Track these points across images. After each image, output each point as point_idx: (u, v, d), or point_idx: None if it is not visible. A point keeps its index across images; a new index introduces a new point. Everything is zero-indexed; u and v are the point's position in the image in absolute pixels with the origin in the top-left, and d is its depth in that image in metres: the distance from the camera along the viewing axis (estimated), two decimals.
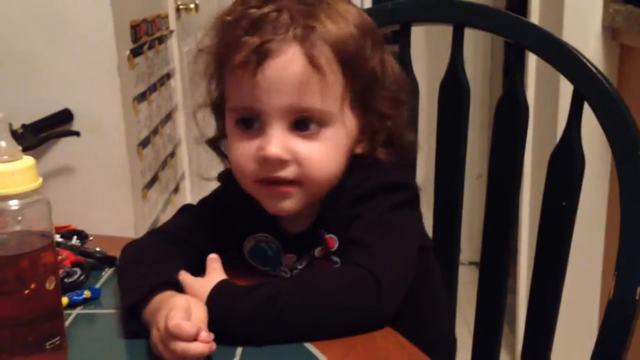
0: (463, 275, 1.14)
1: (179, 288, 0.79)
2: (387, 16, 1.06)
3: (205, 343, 0.70)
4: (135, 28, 1.66)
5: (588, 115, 0.95)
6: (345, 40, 0.81)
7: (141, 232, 1.58)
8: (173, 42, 2.06)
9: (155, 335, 0.73)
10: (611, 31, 1.73)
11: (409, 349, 0.76)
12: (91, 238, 1.03)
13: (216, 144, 0.91)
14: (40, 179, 0.70)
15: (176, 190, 2.06)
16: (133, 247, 0.89)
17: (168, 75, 2.01)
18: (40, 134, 1.44)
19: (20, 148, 0.71)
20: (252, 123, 0.82)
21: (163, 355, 0.71)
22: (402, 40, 1.09)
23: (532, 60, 1.92)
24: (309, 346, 0.74)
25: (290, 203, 0.83)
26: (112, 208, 1.55)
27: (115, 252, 0.97)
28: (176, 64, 2.08)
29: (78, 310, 0.86)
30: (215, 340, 0.71)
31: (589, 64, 0.94)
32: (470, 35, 1.05)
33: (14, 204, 0.68)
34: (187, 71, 2.19)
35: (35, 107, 1.45)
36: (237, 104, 0.83)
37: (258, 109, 0.81)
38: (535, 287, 1.02)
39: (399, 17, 1.08)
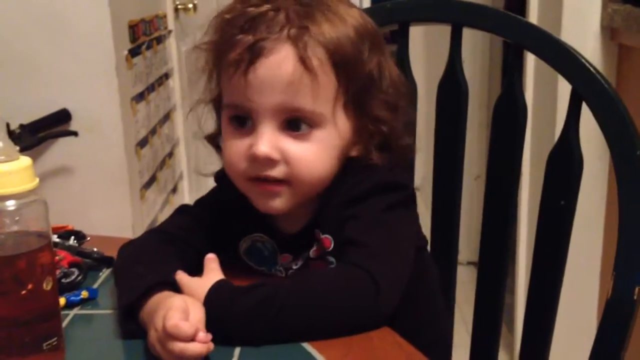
0: (461, 275, 1.14)
1: (177, 288, 0.79)
2: (385, 16, 1.06)
3: (203, 343, 0.70)
4: (133, 28, 1.66)
5: (586, 115, 0.95)
6: (340, 43, 0.81)
7: (139, 232, 1.57)
8: (171, 42, 2.06)
9: (152, 335, 0.73)
10: (610, 31, 1.73)
11: (406, 349, 0.75)
12: (88, 238, 1.03)
13: (215, 140, 0.91)
14: (37, 179, 0.70)
15: (174, 190, 2.06)
16: (130, 247, 0.89)
17: (166, 75, 2.01)
18: (38, 134, 1.44)
19: (17, 148, 0.71)
20: (245, 121, 0.82)
21: (161, 355, 0.71)
22: (401, 40, 1.09)
23: (530, 60, 1.92)
24: (307, 346, 0.74)
25: (279, 202, 0.83)
26: (110, 208, 1.55)
27: (113, 253, 0.97)
28: (174, 64, 2.08)
29: (75, 311, 0.86)
30: (213, 340, 0.71)
31: (587, 64, 0.94)
32: (469, 35, 1.05)
33: (10, 204, 0.68)
34: (185, 71, 2.19)
35: (33, 107, 1.45)
36: (230, 101, 0.84)
37: (250, 107, 0.81)
38: (533, 287, 1.02)
39: (398, 16, 1.08)
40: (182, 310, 0.71)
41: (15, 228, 0.69)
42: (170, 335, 0.69)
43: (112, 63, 1.50)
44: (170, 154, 2.02)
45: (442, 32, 1.05)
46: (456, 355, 1.07)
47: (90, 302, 0.88)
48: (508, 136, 1.03)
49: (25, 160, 0.69)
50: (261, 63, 0.79)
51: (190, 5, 2.19)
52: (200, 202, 0.95)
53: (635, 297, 0.87)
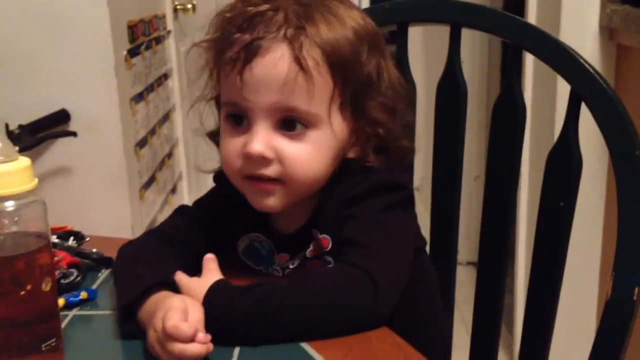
0: (461, 275, 1.14)
1: (175, 288, 0.79)
2: (384, 16, 1.06)
3: (202, 344, 0.70)
4: (132, 28, 1.66)
5: (585, 116, 0.95)
6: (337, 44, 0.81)
7: (138, 233, 1.58)
8: (170, 43, 2.06)
9: (152, 336, 0.72)
10: (608, 31, 1.73)
11: (405, 350, 0.75)
12: (87, 239, 1.03)
13: (216, 137, 0.91)
14: (36, 180, 0.70)
15: (173, 190, 2.06)
16: (129, 248, 0.89)
17: (165, 76, 2.01)
18: (37, 135, 1.44)
19: (16, 149, 0.70)
20: (242, 119, 0.83)
21: (160, 356, 0.71)
22: (400, 40, 1.09)
23: (529, 60, 1.92)
24: (306, 347, 0.74)
25: (273, 200, 0.84)
26: (109, 208, 1.55)
27: (112, 253, 0.97)
28: (173, 64, 2.08)
29: (74, 312, 0.86)
30: (213, 340, 0.71)
31: (586, 64, 0.94)
32: (468, 36, 1.05)
33: (9, 205, 0.68)
34: (184, 71, 2.19)
35: (33, 108, 1.45)
36: (226, 99, 0.84)
37: (245, 106, 0.81)
38: (533, 288, 1.02)
39: (397, 17, 1.08)
40: (181, 310, 0.71)
41: (14, 229, 0.69)
42: (169, 336, 0.69)
43: (111, 63, 1.50)
44: (170, 154, 2.02)
45: (440, 33, 1.05)
46: (456, 355, 1.07)
47: (89, 303, 0.88)
48: (507, 136, 1.03)
49: (24, 161, 0.69)
50: (257, 62, 0.79)
51: (189, 6, 2.19)
52: (199, 202, 0.95)
53: (634, 298, 0.87)
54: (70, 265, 0.92)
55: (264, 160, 0.81)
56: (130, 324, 0.78)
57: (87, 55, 1.48)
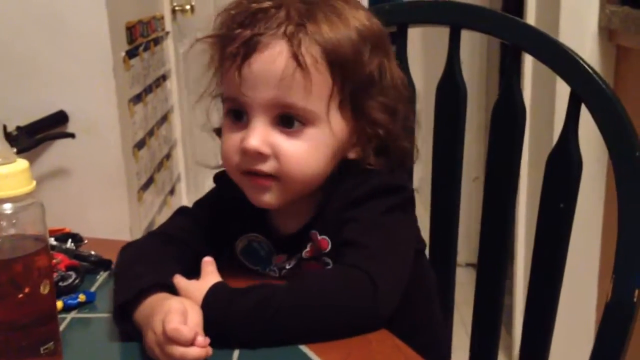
0: (460, 276, 1.13)
1: (174, 290, 0.79)
2: (384, 17, 1.04)
3: (202, 348, 0.69)
4: (130, 29, 1.66)
5: (583, 117, 0.95)
6: (338, 43, 0.81)
7: (137, 234, 1.58)
8: (169, 44, 2.06)
9: (151, 338, 0.72)
10: (607, 32, 1.73)
11: (405, 352, 0.75)
12: (86, 241, 1.02)
13: (220, 133, 0.91)
14: (34, 182, 0.69)
15: (172, 192, 2.06)
16: (130, 249, 0.88)
17: (164, 77, 2.00)
18: (35, 136, 1.44)
19: (13, 150, 0.70)
20: (242, 115, 0.83)
21: (159, 359, 0.71)
22: (399, 41, 1.09)
23: (528, 62, 1.92)
24: (306, 349, 0.74)
25: (269, 197, 0.84)
26: (107, 210, 1.55)
27: (110, 255, 0.97)
28: (172, 65, 2.08)
29: (73, 314, 0.85)
30: (212, 343, 0.71)
31: (586, 66, 0.94)
32: (467, 37, 1.05)
33: (7, 207, 0.68)
34: (183, 72, 2.19)
35: (31, 109, 1.45)
36: (227, 95, 0.84)
37: (244, 102, 0.82)
38: (533, 289, 1.02)
39: (396, 18, 1.08)
40: (181, 313, 0.71)
41: (12, 231, 0.69)
42: (170, 339, 0.69)
43: (109, 64, 1.49)
44: (168, 156, 2.02)
45: (440, 34, 1.05)
46: (455, 357, 1.07)
47: (87, 306, 0.87)
48: (507, 138, 1.02)
49: (22, 163, 0.69)
50: (255, 58, 0.80)
51: (188, 7, 2.19)
52: (199, 203, 0.95)
53: (635, 300, 0.87)
54: (69, 268, 0.92)
55: (260, 156, 0.81)
56: (125, 324, 0.78)
57: (86, 56, 1.48)
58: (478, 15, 1.04)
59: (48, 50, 1.46)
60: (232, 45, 0.81)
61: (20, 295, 0.68)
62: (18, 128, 1.40)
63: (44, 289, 0.70)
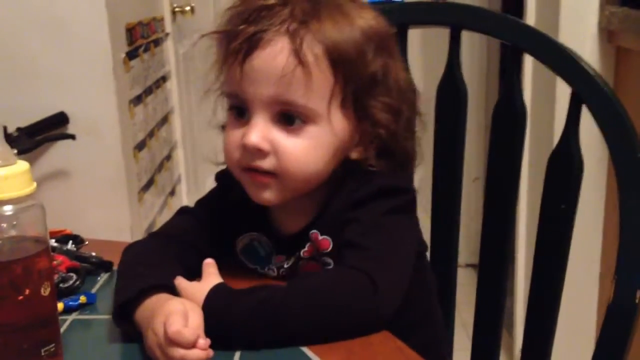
0: (460, 277, 1.13)
1: (175, 291, 0.79)
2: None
3: (203, 350, 0.69)
4: (130, 31, 1.66)
5: (584, 118, 0.95)
6: (341, 42, 0.80)
7: (137, 235, 1.58)
8: (169, 45, 2.06)
9: (152, 339, 0.72)
10: (607, 33, 1.73)
11: (407, 354, 0.75)
12: (87, 243, 1.02)
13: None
14: (35, 184, 0.69)
15: (172, 193, 2.06)
16: (133, 249, 0.88)
17: (164, 78, 2.00)
18: (36, 137, 1.44)
19: (14, 152, 0.70)
20: (244, 112, 0.83)
21: None
22: (399, 42, 1.08)
23: (528, 62, 1.91)
24: (307, 351, 0.74)
25: (269, 194, 0.84)
26: (108, 211, 1.55)
27: (111, 257, 0.97)
28: (172, 66, 2.08)
29: (74, 316, 0.85)
30: (213, 345, 0.71)
31: (586, 67, 0.93)
32: (466, 37, 1.05)
33: (8, 209, 0.67)
34: (183, 73, 2.19)
35: (31, 110, 1.45)
36: (229, 90, 0.84)
37: (244, 98, 0.82)
38: (534, 291, 1.02)
39: (396, 19, 1.07)
40: (182, 314, 0.71)
41: (12, 233, 0.69)
42: (172, 342, 0.69)
43: (109, 66, 1.49)
44: (168, 157, 2.02)
45: (439, 34, 1.05)
46: (456, 357, 1.07)
47: (88, 307, 0.87)
48: (508, 139, 1.02)
49: (22, 165, 0.69)
50: (257, 54, 0.80)
51: (188, 8, 2.19)
52: (201, 202, 0.95)
53: (637, 301, 0.87)
54: (69, 270, 0.91)
55: (260, 152, 0.81)
56: (125, 324, 0.78)
57: (86, 58, 1.48)
58: (479, 16, 1.04)
59: (48, 51, 1.46)
60: (236, 41, 0.81)
61: (21, 297, 0.68)
62: (18, 129, 1.41)
63: (45, 291, 0.69)
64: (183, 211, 0.95)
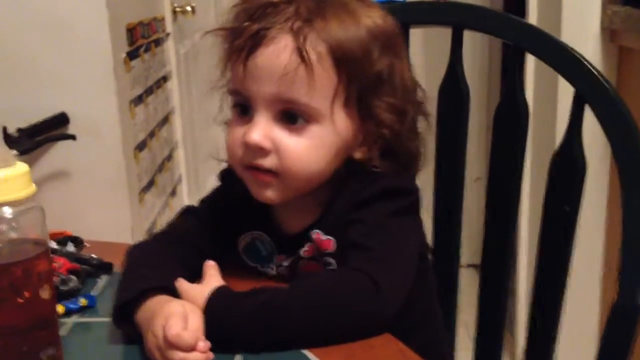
0: (461, 277, 1.13)
1: (176, 293, 0.79)
2: None
3: (202, 353, 0.69)
4: (131, 31, 1.65)
5: (585, 117, 0.94)
6: (345, 41, 0.80)
7: (138, 236, 1.58)
8: (170, 45, 2.06)
9: (151, 341, 0.72)
10: (609, 33, 1.72)
11: (409, 357, 0.75)
12: (87, 245, 1.02)
13: None
14: (34, 186, 0.69)
15: (173, 193, 2.05)
16: (137, 250, 0.88)
17: (165, 78, 2.00)
18: (36, 138, 1.43)
19: (13, 153, 0.70)
20: (248, 109, 0.83)
21: None
22: None
23: (530, 62, 1.91)
24: (309, 354, 0.73)
25: (270, 192, 0.83)
26: (108, 212, 1.55)
27: (112, 259, 0.96)
28: (173, 66, 2.07)
29: (74, 319, 0.85)
30: (213, 347, 0.70)
31: (589, 66, 0.93)
32: (468, 37, 1.05)
33: (7, 211, 0.67)
34: (184, 73, 2.18)
35: (31, 111, 1.44)
36: (232, 88, 0.84)
37: (247, 95, 0.82)
38: (537, 292, 1.01)
39: (398, 19, 1.07)
40: (182, 317, 0.71)
41: (12, 235, 0.68)
42: (171, 345, 0.68)
43: (110, 66, 1.49)
44: (169, 157, 2.02)
45: (440, 34, 1.04)
46: (458, 358, 1.07)
47: (88, 310, 0.87)
48: (510, 139, 1.02)
49: (21, 167, 0.68)
50: (261, 52, 0.79)
51: (189, 8, 2.18)
52: (204, 201, 0.95)
53: None
54: (70, 272, 0.91)
55: (261, 151, 0.81)
56: (124, 324, 0.77)
57: (86, 58, 1.47)
58: (481, 16, 1.04)
59: (49, 52, 1.46)
60: (240, 38, 0.81)
61: (20, 300, 0.68)
62: (19, 130, 1.40)
63: (45, 294, 0.69)
64: (186, 211, 0.95)
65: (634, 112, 0.92)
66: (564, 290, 0.98)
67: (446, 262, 1.08)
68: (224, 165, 0.93)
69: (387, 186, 0.82)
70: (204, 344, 0.70)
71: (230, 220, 0.91)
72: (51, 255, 0.75)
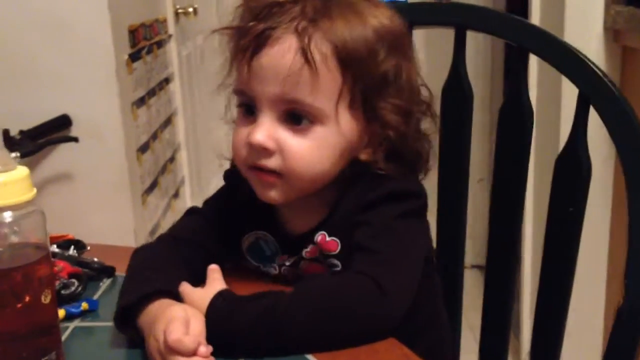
0: (465, 278, 1.12)
1: (179, 296, 0.78)
2: None
3: (204, 358, 0.69)
4: (133, 33, 1.65)
5: (589, 118, 0.94)
6: (351, 41, 0.79)
7: (141, 238, 1.58)
8: (172, 47, 2.06)
9: (153, 345, 0.72)
10: (613, 33, 1.72)
11: None
12: (89, 248, 1.02)
13: None
14: (35, 190, 0.68)
15: (176, 195, 2.05)
16: (141, 253, 0.88)
17: (167, 80, 2.00)
18: (39, 140, 1.43)
19: (13, 156, 0.69)
20: (253, 109, 0.82)
21: None
22: None
23: (533, 62, 1.90)
24: (312, 359, 0.73)
25: (274, 193, 0.83)
26: (111, 214, 1.55)
27: (114, 262, 0.96)
28: (175, 68, 2.07)
29: (75, 323, 0.85)
30: (215, 351, 0.70)
31: (594, 67, 0.92)
32: (470, 37, 1.04)
33: (7, 215, 0.67)
34: (186, 75, 2.18)
35: (34, 113, 1.44)
36: (237, 87, 0.84)
37: (252, 95, 0.81)
38: (543, 294, 1.00)
39: None
40: (183, 321, 0.70)
41: (13, 239, 0.68)
42: (172, 350, 0.68)
43: (112, 68, 1.49)
44: (172, 159, 2.01)
45: (442, 34, 1.04)
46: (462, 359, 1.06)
47: (90, 314, 0.86)
48: (514, 140, 1.01)
49: (22, 171, 0.68)
50: (265, 52, 0.79)
51: (191, 9, 2.18)
52: (208, 201, 0.95)
53: None
54: (71, 276, 0.91)
55: (265, 151, 0.80)
56: (126, 328, 0.77)
57: (89, 60, 1.47)
58: (484, 16, 1.03)
59: (51, 54, 1.46)
60: (245, 38, 0.80)
61: (20, 305, 0.67)
62: (21, 132, 1.40)
63: (45, 299, 0.69)
64: (191, 211, 0.95)
65: (638, 112, 0.91)
66: (570, 292, 0.97)
67: (450, 263, 1.07)
68: (227, 166, 0.93)
69: (395, 189, 0.82)
70: (205, 349, 0.69)
71: (235, 220, 0.90)
72: (52, 259, 0.75)
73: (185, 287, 0.79)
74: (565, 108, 1.71)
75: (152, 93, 1.80)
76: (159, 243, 0.90)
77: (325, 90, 0.79)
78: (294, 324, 0.73)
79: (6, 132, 1.36)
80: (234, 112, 0.88)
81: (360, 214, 0.81)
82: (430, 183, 1.08)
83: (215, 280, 0.80)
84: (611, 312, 0.89)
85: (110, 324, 0.80)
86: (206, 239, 0.89)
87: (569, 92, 0.97)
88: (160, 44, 1.93)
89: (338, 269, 0.84)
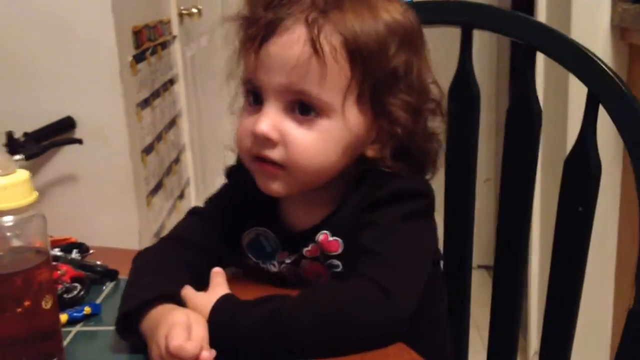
0: (472, 278, 1.11)
1: (181, 300, 0.78)
2: None
3: None
4: (137, 34, 1.64)
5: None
6: (361, 34, 0.78)
7: (146, 240, 1.57)
8: (176, 48, 2.05)
9: (155, 351, 0.71)
10: (620, 30, 1.71)
11: None
12: (92, 251, 1.01)
13: None
14: (36, 194, 0.68)
15: (181, 196, 2.05)
16: (144, 256, 0.87)
17: (171, 81, 1.99)
18: (43, 142, 1.42)
19: (17, 158, 0.69)
20: (260, 99, 0.81)
21: None
22: None
23: (539, 61, 1.89)
24: None
25: (277, 185, 0.82)
26: (116, 216, 1.54)
27: (117, 265, 0.95)
28: (179, 69, 2.07)
29: (78, 328, 0.84)
30: (219, 357, 0.69)
31: (603, 65, 0.91)
32: (476, 36, 1.03)
33: (8, 219, 0.66)
34: (190, 76, 2.18)
35: (37, 115, 1.44)
36: (244, 76, 0.83)
37: (258, 85, 0.80)
38: (552, 295, 0.99)
39: None
40: (185, 327, 0.70)
41: (13, 243, 0.67)
42: (173, 355, 0.67)
43: (116, 69, 1.48)
44: (177, 160, 2.01)
45: (447, 33, 1.03)
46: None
47: (93, 318, 0.86)
48: (522, 140, 1.00)
49: (22, 174, 0.67)
50: (274, 41, 0.78)
51: (195, 10, 2.17)
52: (211, 200, 0.94)
53: None
54: (74, 279, 0.90)
55: (269, 141, 0.79)
56: (127, 334, 0.76)
57: (93, 61, 1.47)
58: (490, 15, 1.02)
59: (55, 55, 1.45)
60: (254, 27, 0.80)
61: (20, 310, 0.66)
62: (25, 134, 1.39)
63: (46, 304, 0.68)
64: (193, 212, 0.94)
65: None
66: (580, 293, 0.96)
67: (458, 263, 1.06)
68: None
69: (402, 187, 0.80)
70: (208, 354, 0.68)
71: (236, 217, 0.90)
72: (55, 263, 0.74)
73: (188, 292, 0.78)
74: (572, 106, 1.70)
75: (156, 94, 1.80)
76: (160, 245, 0.90)
77: (333, 83, 0.78)
78: (299, 329, 0.72)
79: (10, 134, 1.35)
80: (242, 103, 0.87)
81: (366, 213, 0.80)
82: (437, 183, 1.08)
83: (219, 285, 0.79)
84: (619, 312, 0.88)
85: (113, 328, 0.80)
86: (208, 239, 0.88)
87: (576, 90, 0.96)
88: (164, 45, 1.92)
89: (339, 269, 0.83)
